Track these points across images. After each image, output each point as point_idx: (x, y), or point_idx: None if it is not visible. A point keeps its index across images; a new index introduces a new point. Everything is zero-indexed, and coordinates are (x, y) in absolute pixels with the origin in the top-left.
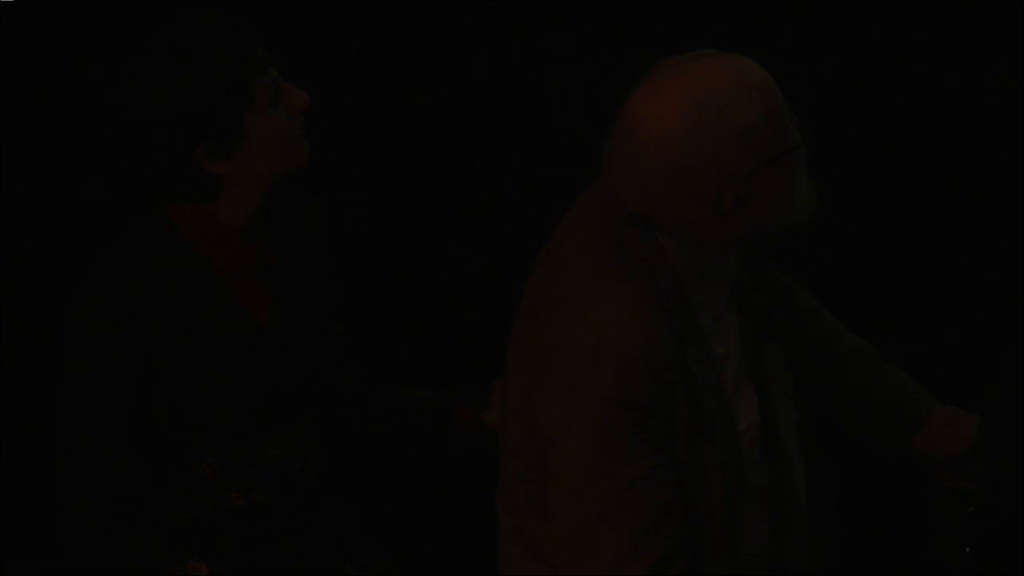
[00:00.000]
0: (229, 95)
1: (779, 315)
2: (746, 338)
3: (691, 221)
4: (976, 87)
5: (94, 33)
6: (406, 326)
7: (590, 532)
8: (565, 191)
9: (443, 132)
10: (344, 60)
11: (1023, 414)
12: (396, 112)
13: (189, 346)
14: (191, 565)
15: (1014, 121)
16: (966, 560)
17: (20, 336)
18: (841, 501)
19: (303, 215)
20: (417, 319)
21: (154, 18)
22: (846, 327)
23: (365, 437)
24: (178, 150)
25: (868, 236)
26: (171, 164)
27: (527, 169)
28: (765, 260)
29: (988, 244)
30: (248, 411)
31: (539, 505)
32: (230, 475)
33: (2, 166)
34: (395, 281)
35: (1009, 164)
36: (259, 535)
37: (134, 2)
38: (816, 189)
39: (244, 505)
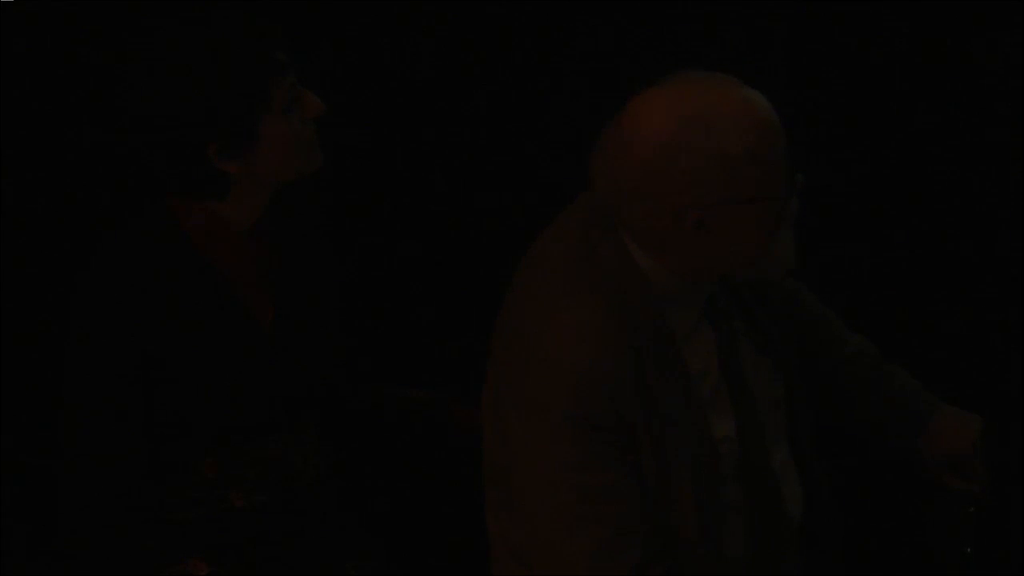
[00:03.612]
0: (248, 95)
1: (771, 325)
2: (724, 353)
3: (654, 232)
4: (976, 86)
5: (99, 30)
6: (405, 327)
7: (559, 542)
8: (565, 193)
9: (444, 134)
10: (344, 64)
11: (1023, 414)
12: (397, 115)
13: (191, 345)
14: (191, 563)
15: (1014, 121)
16: (966, 560)
17: (22, 335)
18: (843, 508)
19: (305, 216)
20: (416, 320)
21: (163, 17)
22: (850, 328)
23: (364, 438)
24: (191, 146)
25: (867, 235)
26: (183, 160)
27: (527, 171)
28: None
29: (988, 244)
30: (248, 411)
31: (514, 507)
32: (230, 475)
33: (4, 164)
34: (395, 282)
35: (1009, 164)
36: (259, 535)
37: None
38: (796, 251)
39: (244, 505)
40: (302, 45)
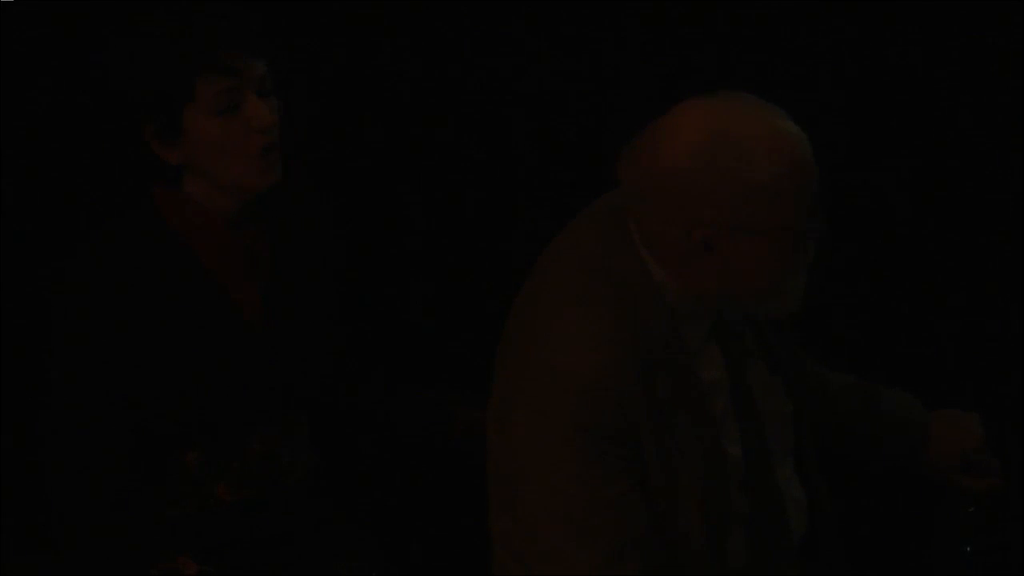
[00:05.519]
0: (169, 84)
1: (782, 344)
2: (732, 370)
3: (664, 242)
4: (976, 87)
5: (101, 29)
6: (409, 327)
7: (561, 552)
8: (573, 194)
9: (449, 131)
10: (347, 60)
11: (1023, 414)
12: (400, 114)
13: (172, 337)
14: (180, 561)
15: (1014, 121)
16: (966, 560)
17: (18, 332)
18: (844, 521)
19: (307, 215)
20: (420, 320)
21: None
22: (849, 330)
23: (365, 437)
24: (128, 124)
25: (867, 236)
26: (125, 139)
27: (533, 171)
28: None
29: (988, 244)
30: (233, 405)
31: (517, 513)
32: (214, 470)
33: (4, 164)
34: (399, 282)
35: (1010, 164)
36: (248, 532)
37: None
38: (805, 292)
39: (232, 502)
40: (304, 45)
